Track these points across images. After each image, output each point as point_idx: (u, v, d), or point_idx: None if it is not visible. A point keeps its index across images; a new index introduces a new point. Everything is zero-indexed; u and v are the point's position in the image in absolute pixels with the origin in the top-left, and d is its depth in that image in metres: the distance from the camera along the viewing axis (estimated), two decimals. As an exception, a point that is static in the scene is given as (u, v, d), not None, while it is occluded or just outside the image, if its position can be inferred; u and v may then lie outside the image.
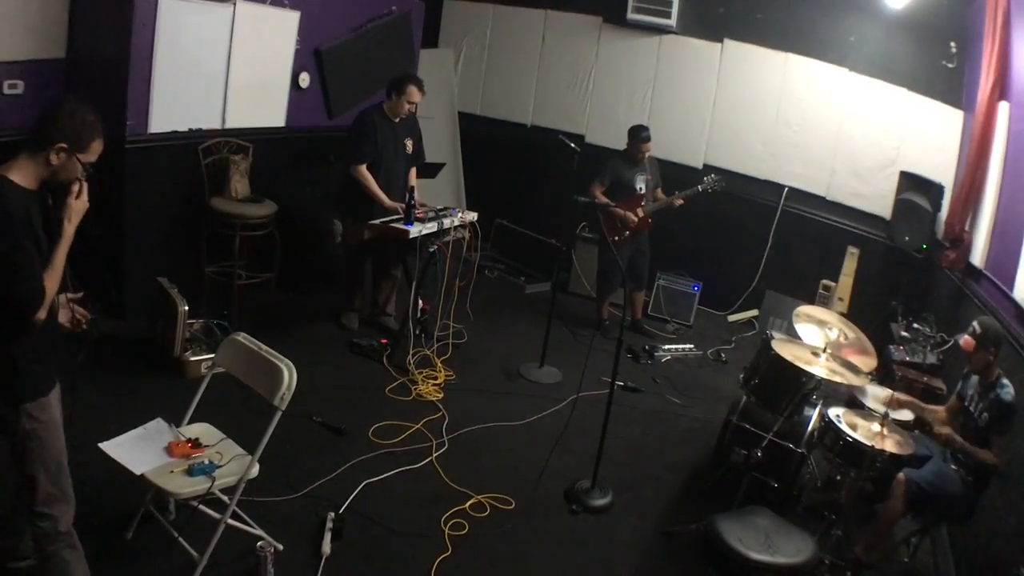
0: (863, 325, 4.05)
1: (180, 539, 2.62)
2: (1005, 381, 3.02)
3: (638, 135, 5.28)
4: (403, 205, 4.46)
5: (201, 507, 2.54)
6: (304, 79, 5.29)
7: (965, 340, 3.10)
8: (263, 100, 5.09)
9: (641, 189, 5.39)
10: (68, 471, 2.27)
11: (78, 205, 2.13)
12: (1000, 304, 3.85)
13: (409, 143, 4.79)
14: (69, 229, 2.11)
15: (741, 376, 3.86)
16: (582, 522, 3.43)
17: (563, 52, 6.78)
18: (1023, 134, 4.00)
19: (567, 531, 3.36)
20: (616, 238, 5.27)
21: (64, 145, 2.05)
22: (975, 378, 3.18)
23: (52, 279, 2.06)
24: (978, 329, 3.08)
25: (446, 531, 3.17)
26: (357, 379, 4.40)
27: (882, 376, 4.26)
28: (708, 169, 5.93)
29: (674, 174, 5.91)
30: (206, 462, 2.58)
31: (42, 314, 2.04)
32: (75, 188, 2.12)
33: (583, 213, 5.47)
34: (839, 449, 3.30)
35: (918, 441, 3.32)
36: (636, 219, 5.37)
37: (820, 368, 3.36)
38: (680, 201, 5.40)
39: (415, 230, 4.31)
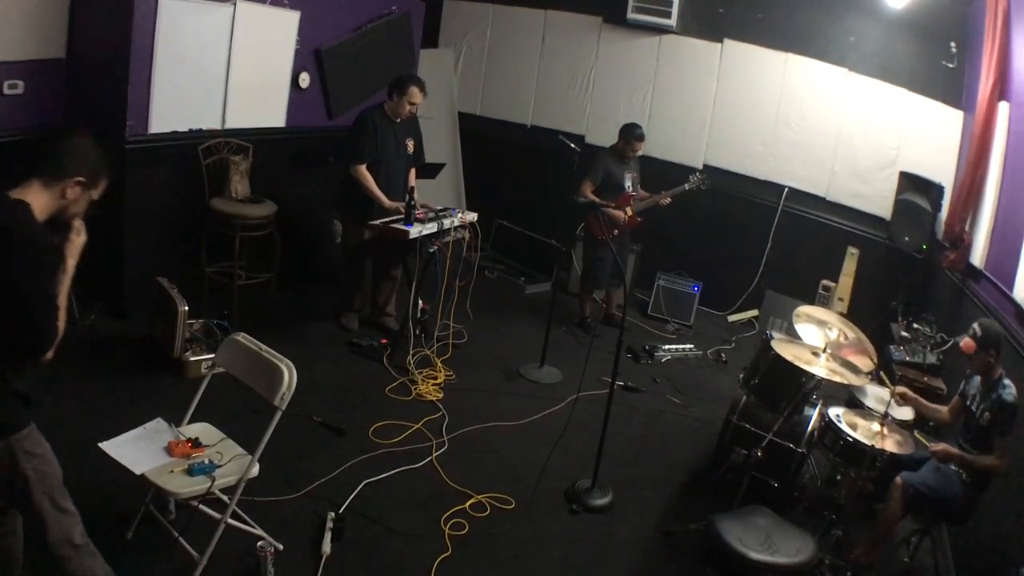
0: (863, 325, 4.05)
1: (180, 539, 2.62)
2: (1007, 382, 3.01)
3: (632, 133, 5.29)
4: (403, 205, 4.46)
5: (201, 507, 2.53)
6: (304, 79, 5.29)
7: (965, 342, 3.10)
8: (263, 100, 5.09)
9: (629, 187, 5.41)
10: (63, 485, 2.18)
11: (80, 241, 2.05)
12: (1000, 304, 3.85)
13: (410, 143, 4.79)
14: (72, 266, 2.03)
15: (741, 376, 3.86)
16: (582, 522, 3.43)
17: (563, 52, 6.78)
18: (1023, 134, 4.00)
19: (567, 531, 3.36)
20: (602, 237, 5.25)
21: (83, 179, 1.98)
22: (978, 378, 3.18)
23: (61, 319, 1.97)
24: (978, 331, 3.08)
25: (446, 531, 3.17)
26: (357, 379, 4.39)
27: (882, 376, 4.27)
28: (708, 169, 5.93)
29: (674, 174, 5.91)
30: (206, 462, 2.58)
31: (50, 354, 1.95)
32: (77, 225, 2.05)
33: (583, 214, 5.49)
34: (839, 449, 3.31)
35: (918, 442, 3.32)
36: (627, 217, 5.38)
37: (820, 368, 3.36)
38: (668, 200, 5.41)
39: (415, 230, 4.31)
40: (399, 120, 4.67)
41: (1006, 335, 3.21)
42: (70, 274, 2.04)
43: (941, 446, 3.16)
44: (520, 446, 3.96)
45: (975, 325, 3.12)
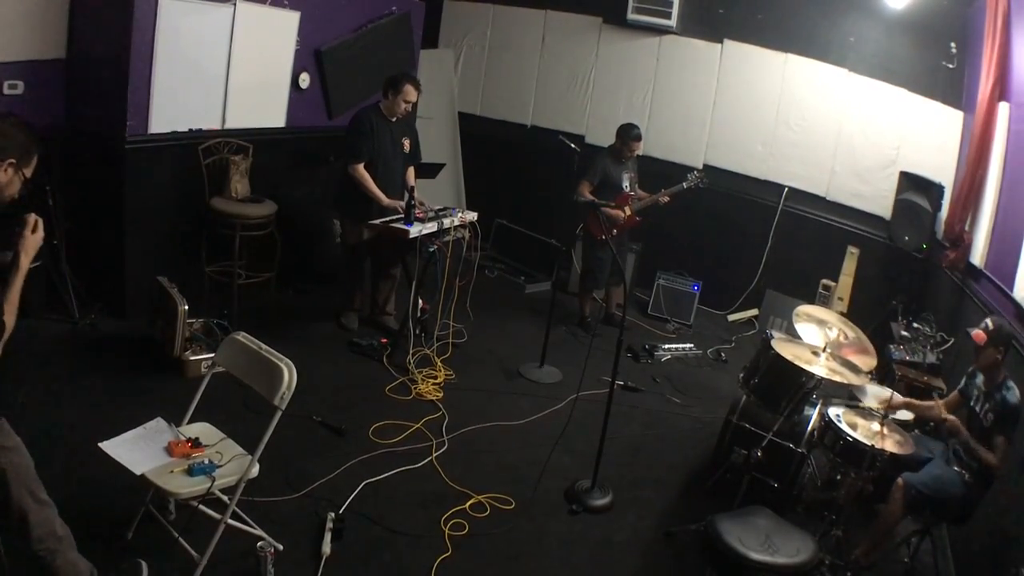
0: (863, 325, 4.06)
1: (180, 539, 2.62)
2: (1011, 383, 3.03)
3: (629, 133, 5.31)
4: (402, 204, 4.46)
5: (201, 507, 2.53)
6: (304, 79, 5.29)
7: (977, 333, 3.11)
8: (263, 100, 5.09)
9: (627, 187, 5.41)
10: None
11: (36, 239, 2.04)
12: (1000, 304, 3.84)
13: (406, 142, 4.80)
14: (25, 263, 2.00)
15: (741, 376, 3.85)
16: (582, 522, 3.43)
17: (563, 52, 6.78)
18: (1023, 134, 4.00)
19: (567, 531, 3.36)
20: (602, 237, 5.25)
21: (14, 160, 2.00)
22: (981, 377, 3.19)
23: (11, 314, 1.95)
24: (991, 326, 3.09)
25: (446, 531, 3.17)
26: (357, 379, 4.39)
27: (882, 376, 4.27)
28: (708, 169, 5.93)
29: (674, 174, 5.90)
30: (206, 462, 2.57)
31: None
32: (32, 221, 2.03)
33: (583, 213, 5.50)
34: (839, 449, 3.30)
35: (919, 443, 3.32)
36: (625, 217, 5.39)
37: (820, 368, 3.36)
38: (666, 198, 5.41)
39: (415, 230, 4.32)
40: (395, 119, 4.67)
41: (1015, 340, 3.21)
42: (24, 271, 2.01)
43: (953, 416, 3.18)
44: (520, 446, 3.96)
45: (988, 319, 3.14)
